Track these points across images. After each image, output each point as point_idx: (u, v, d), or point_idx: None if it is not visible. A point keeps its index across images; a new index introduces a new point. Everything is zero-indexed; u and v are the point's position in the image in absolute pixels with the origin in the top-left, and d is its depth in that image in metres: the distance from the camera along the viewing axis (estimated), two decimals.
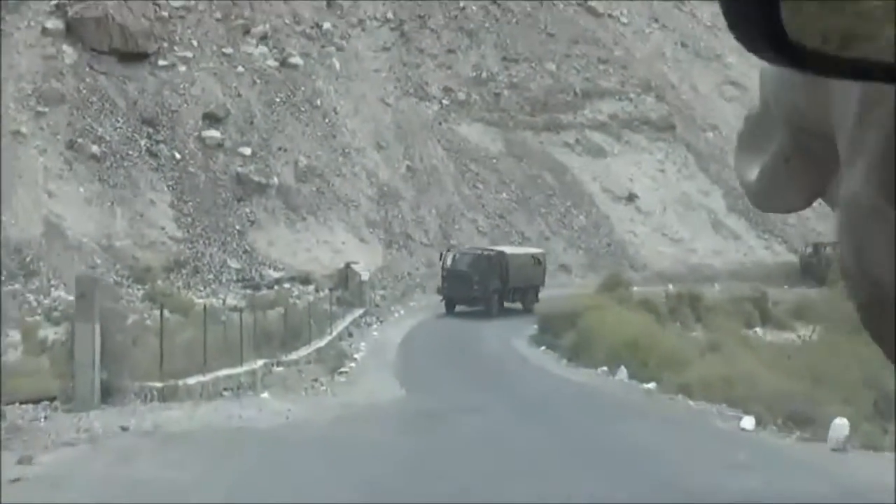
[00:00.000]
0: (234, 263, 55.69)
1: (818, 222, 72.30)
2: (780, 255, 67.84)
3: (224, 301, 49.96)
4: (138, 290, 50.70)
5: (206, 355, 24.89)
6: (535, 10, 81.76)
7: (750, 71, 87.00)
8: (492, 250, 50.30)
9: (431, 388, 24.18)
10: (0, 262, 46.81)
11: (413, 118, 70.52)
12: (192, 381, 21.69)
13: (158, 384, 19.91)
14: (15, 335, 32.15)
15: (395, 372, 27.77)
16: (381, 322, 45.34)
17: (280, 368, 30.11)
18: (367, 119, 69.11)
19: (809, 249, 65.37)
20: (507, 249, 51.48)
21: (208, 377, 22.86)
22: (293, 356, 33.10)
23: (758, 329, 45.54)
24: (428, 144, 68.97)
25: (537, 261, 51.64)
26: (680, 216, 69.24)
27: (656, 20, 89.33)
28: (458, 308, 47.04)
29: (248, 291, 52.72)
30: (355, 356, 32.25)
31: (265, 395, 21.39)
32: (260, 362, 28.94)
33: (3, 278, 44.79)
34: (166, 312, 44.28)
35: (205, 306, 29.53)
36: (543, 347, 34.78)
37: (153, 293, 48.89)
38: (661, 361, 25.71)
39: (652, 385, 25.24)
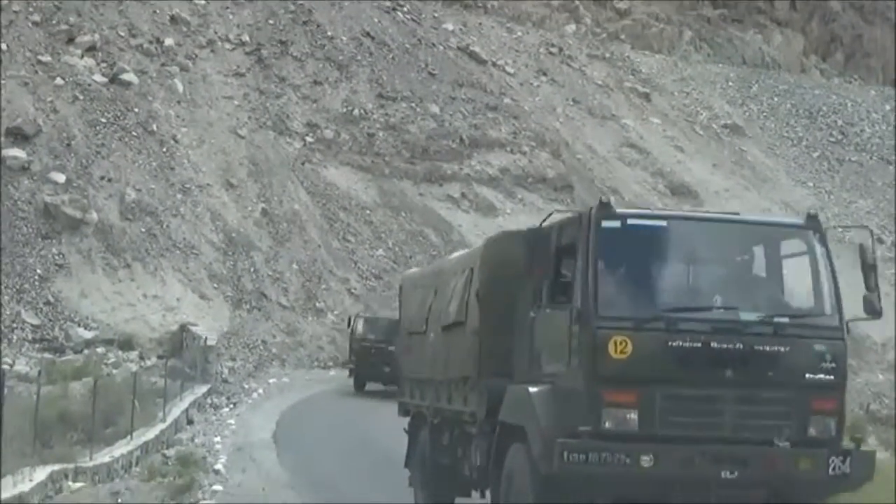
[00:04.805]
0: (30, 318, 42.36)
1: None
2: None
3: (12, 365, 36.63)
4: None
5: None
6: (413, 47, 70.86)
7: (648, 134, 77.69)
8: None
9: None
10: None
11: (271, 155, 58.13)
12: None
13: None
14: None
15: None
16: (235, 405, 32.42)
17: (79, 484, 17.32)
18: (214, 151, 56.48)
19: None
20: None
21: None
22: (104, 457, 20.43)
23: None
24: (288, 186, 56.55)
25: None
26: None
27: (544, 73, 79.69)
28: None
29: (48, 356, 39.57)
30: (216, 465, 19.19)
31: None
32: (41, 473, 16.16)
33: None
34: None
35: None
36: None
37: None
38: None
39: None
